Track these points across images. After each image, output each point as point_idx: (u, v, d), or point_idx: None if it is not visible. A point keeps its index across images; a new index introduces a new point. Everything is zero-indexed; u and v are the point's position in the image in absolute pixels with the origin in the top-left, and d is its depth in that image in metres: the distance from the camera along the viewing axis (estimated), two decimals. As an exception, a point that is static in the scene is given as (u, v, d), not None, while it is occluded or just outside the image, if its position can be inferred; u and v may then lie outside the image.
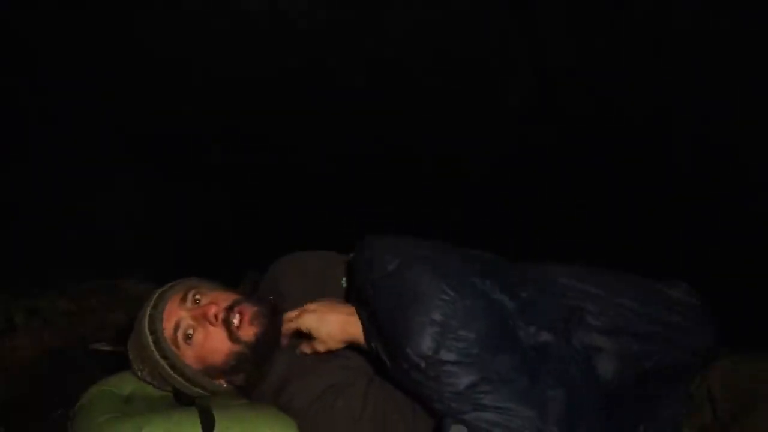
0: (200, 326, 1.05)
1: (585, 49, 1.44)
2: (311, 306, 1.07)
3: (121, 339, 1.60)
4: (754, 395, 1.08)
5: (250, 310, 1.06)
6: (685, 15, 1.26)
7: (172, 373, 1.07)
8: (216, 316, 1.04)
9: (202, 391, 1.10)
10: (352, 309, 1.05)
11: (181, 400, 1.09)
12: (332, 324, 1.03)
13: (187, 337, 1.05)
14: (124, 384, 1.14)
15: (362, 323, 1.03)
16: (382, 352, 0.98)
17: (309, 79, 1.59)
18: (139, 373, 1.11)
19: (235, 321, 1.05)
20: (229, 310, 1.05)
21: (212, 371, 1.08)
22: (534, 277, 1.14)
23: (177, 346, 1.06)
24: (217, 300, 1.07)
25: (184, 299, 1.07)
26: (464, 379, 0.91)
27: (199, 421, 0.96)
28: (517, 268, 1.16)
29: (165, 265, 1.18)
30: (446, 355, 0.91)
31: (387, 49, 1.52)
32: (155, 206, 1.77)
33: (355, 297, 1.08)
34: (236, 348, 1.05)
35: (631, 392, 1.09)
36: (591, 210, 1.62)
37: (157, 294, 1.11)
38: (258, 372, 1.10)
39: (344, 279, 1.17)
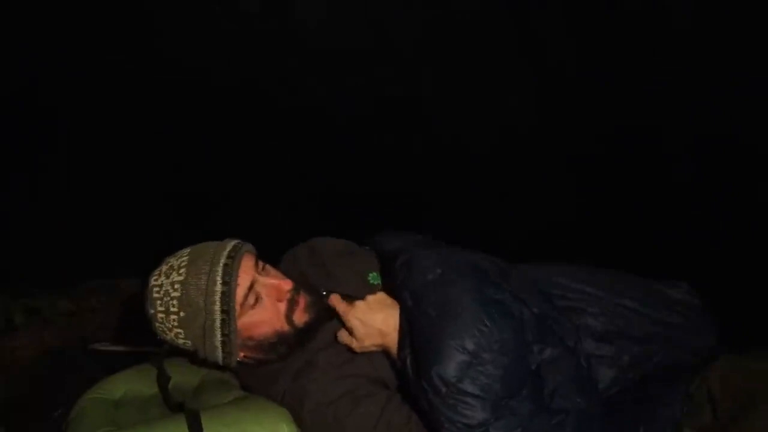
0: (268, 297, 1.05)
1: (585, 49, 1.44)
2: (371, 298, 1.06)
3: (121, 339, 1.61)
4: (753, 395, 1.08)
5: (305, 298, 1.08)
6: (685, 15, 1.26)
7: (219, 327, 1.03)
8: (288, 293, 1.06)
9: (221, 357, 1.07)
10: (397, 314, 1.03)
11: (171, 405, 1.08)
12: (372, 325, 1.03)
13: (257, 301, 1.05)
14: (115, 387, 1.13)
15: (400, 327, 1.02)
16: (410, 362, 0.98)
17: (308, 80, 1.59)
18: (161, 316, 1.05)
19: (298, 300, 1.07)
20: (296, 291, 1.07)
21: (248, 342, 1.07)
22: (534, 279, 1.14)
23: (240, 306, 1.04)
24: (284, 278, 1.08)
25: (257, 264, 1.07)
26: (480, 414, 0.90)
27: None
28: (519, 269, 1.16)
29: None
30: (468, 387, 0.91)
31: (387, 50, 1.52)
32: (155, 206, 1.77)
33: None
34: (286, 328, 1.06)
35: (630, 394, 1.09)
36: (591, 210, 1.62)
37: (231, 245, 1.07)
38: (282, 358, 1.10)
39: (371, 274, 1.16)
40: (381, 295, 1.07)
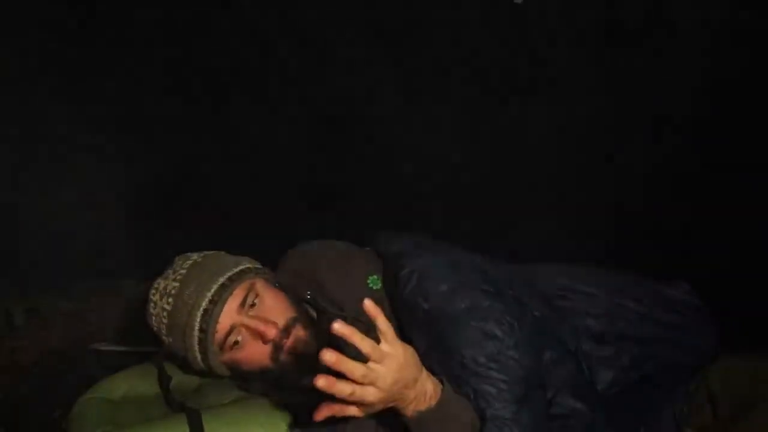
0: (252, 338, 1.03)
1: (585, 50, 1.44)
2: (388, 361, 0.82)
3: (121, 339, 1.61)
4: (754, 395, 1.08)
5: (299, 335, 1.03)
6: (686, 16, 1.27)
7: (200, 362, 1.07)
8: (273, 338, 1.01)
9: (213, 375, 1.11)
10: (420, 375, 0.88)
11: (172, 405, 1.09)
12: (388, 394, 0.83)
13: (235, 344, 1.03)
14: (115, 387, 1.14)
15: (411, 330, 1.00)
16: (426, 350, 0.96)
17: (309, 85, 1.59)
18: (156, 330, 1.09)
19: (285, 343, 1.03)
20: (284, 332, 1.02)
21: (234, 369, 1.08)
22: (534, 280, 1.14)
23: (221, 348, 1.04)
24: (274, 314, 1.03)
25: (243, 304, 1.04)
26: (514, 390, 0.91)
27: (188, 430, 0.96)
28: (519, 270, 1.15)
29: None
30: (497, 367, 0.92)
31: (387, 54, 1.53)
32: (156, 206, 1.77)
33: (400, 305, 1.05)
34: (271, 366, 1.04)
35: (630, 394, 1.09)
36: (591, 211, 1.62)
37: (217, 286, 1.04)
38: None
39: (371, 278, 1.12)
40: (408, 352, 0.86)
